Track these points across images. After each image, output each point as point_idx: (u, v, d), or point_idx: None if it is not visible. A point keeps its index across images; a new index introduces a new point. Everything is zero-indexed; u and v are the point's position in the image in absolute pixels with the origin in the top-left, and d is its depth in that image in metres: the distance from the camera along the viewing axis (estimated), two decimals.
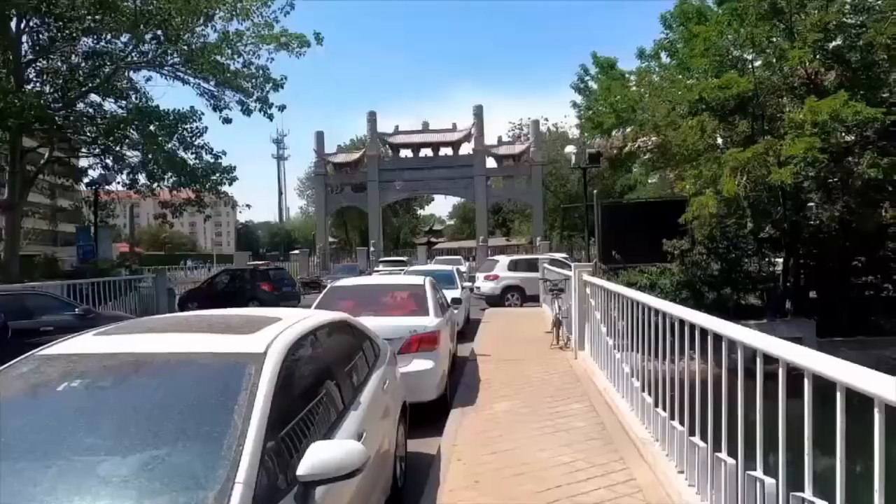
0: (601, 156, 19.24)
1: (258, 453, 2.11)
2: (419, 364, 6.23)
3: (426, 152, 48.28)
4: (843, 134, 12.57)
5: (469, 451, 4.89)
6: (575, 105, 18.76)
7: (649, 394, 4.68)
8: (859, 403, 1.94)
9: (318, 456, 2.26)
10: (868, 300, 14.90)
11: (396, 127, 48.86)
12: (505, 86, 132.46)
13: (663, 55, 16.64)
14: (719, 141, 15.29)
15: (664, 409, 4.22)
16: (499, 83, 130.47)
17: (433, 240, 70.25)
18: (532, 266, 19.57)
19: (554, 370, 8.02)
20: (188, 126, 18.45)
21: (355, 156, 49.60)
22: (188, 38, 18.03)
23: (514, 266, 20.53)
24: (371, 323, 5.81)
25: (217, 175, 19.11)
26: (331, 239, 57.86)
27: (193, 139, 18.74)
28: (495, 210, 56.78)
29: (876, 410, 1.81)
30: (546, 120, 51.28)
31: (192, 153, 18.91)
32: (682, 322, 3.80)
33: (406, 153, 48.75)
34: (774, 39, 13.55)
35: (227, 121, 19.25)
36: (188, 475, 2.02)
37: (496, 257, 23.84)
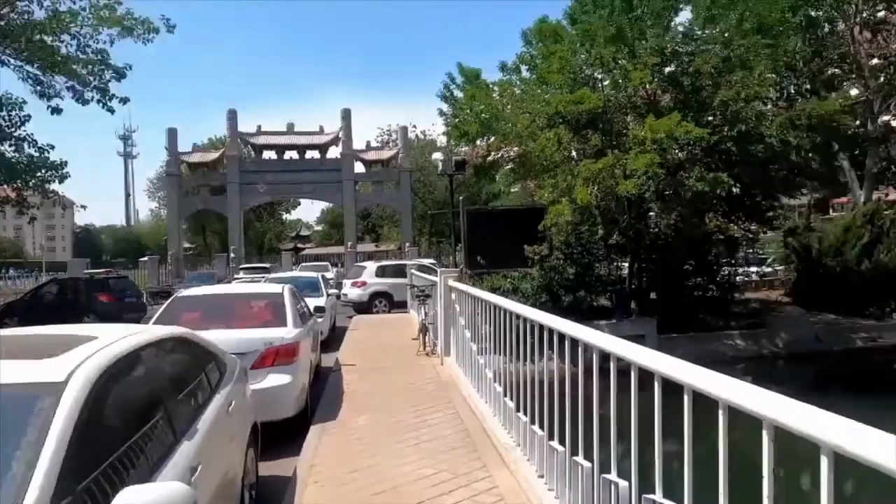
0: (466, 163, 19.69)
1: None
2: (275, 379, 5.78)
3: (291, 155, 46.57)
4: (677, 151, 13.95)
5: (328, 471, 4.58)
6: (442, 113, 19.05)
7: (511, 398, 4.70)
8: (706, 404, 1.97)
9: None
10: (698, 300, 16.69)
11: (259, 127, 46.61)
12: (374, 91, 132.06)
13: (524, 69, 17.43)
14: (574, 153, 16.29)
15: (525, 413, 4.24)
16: (368, 88, 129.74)
17: (300, 245, 67.98)
18: (400, 272, 19.49)
19: (420, 378, 7.91)
20: (4, 114, 15.97)
21: (213, 156, 46.51)
22: (6, 14, 15.64)
23: (381, 272, 20.31)
24: (220, 336, 5.29)
25: (43, 171, 16.72)
26: (186, 245, 53.66)
27: (12, 129, 16.25)
28: (364, 215, 56.23)
29: (720, 412, 1.84)
30: (414, 127, 51.84)
31: (10, 145, 16.39)
32: (541, 327, 3.83)
33: (270, 155, 46.65)
34: (620, 61, 14.73)
35: (57, 111, 16.93)
36: None
37: (364, 263, 23.47)
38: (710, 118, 14.51)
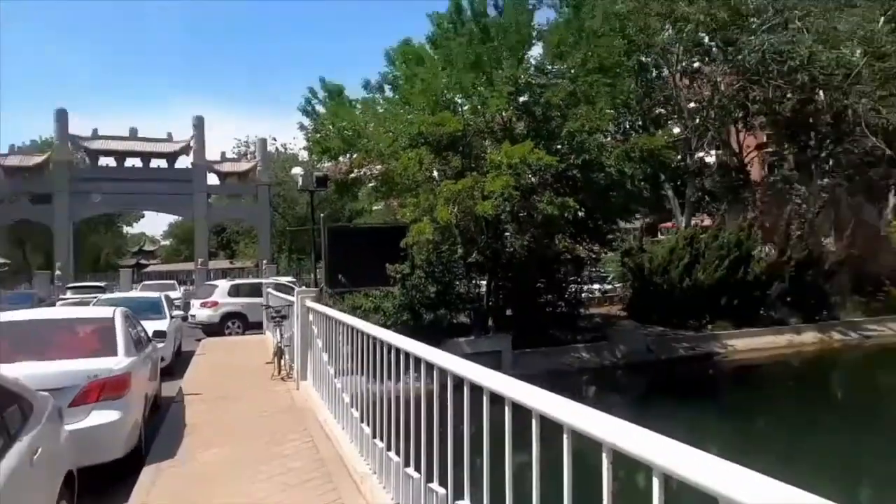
0: (329, 180, 19.31)
1: None
2: (100, 416, 5.09)
3: (134, 162, 42.55)
4: (530, 175, 14.81)
5: None
6: (303, 127, 18.54)
7: (368, 424, 4.56)
8: (554, 426, 2.00)
9: None
10: (549, 315, 17.75)
11: (95, 130, 42.06)
12: (230, 100, 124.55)
13: (387, 88, 17.56)
14: (435, 174, 16.66)
15: (382, 439, 4.13)
16: (224, 97, 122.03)
17: (143, 262, 62.12)
18: (256, 291, 18.48)
19: (273, 405, 7.47)
20: None
21: (37, 160, 41.06)
22: None
23: (235, 291, 19.12)
24: (31, 370, 4.60)
25: None
26: (0, 260, 46.51)
27: None
28: (218, 231, 52.80)
29: (564, 436, 1.88)
30: (275, 139, 49.96)
31: None
32: (397, 350, 3.76)
33: (108, 161, 42.22)
34: (479, 88, 15.39)
35: None
36: None
37: (216, 282, 21.97)
38: (560, 147, 15.60)
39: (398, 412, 3.82)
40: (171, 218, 56.73)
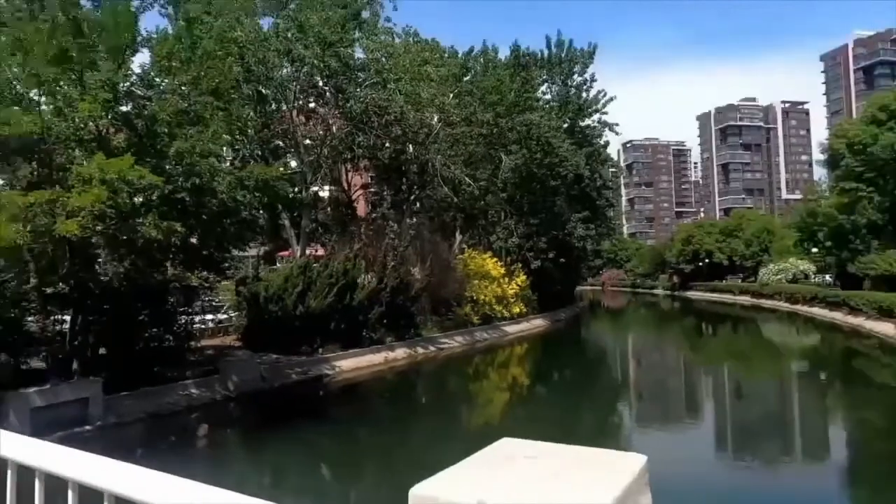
0: None
1: None
2: None
3: None
4: (133, 194, 13.16)
5: None
6: None
7: None
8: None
9: None
10: (153, 351, 15.97)
11: None
12: None
13: None
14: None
15: None
16: None
17: None
18: None
19: None
20: None
21: None
22: None
23: None
24: None
25: None
26: None
27: None
28: None
29: (105, 501, 1.62)
30: None
31: None
32: None
33: None
34: (65, 87, 13.00)
35: None
36: None
37: None
38: (168, 167, 14.37)
39: None
40: None
